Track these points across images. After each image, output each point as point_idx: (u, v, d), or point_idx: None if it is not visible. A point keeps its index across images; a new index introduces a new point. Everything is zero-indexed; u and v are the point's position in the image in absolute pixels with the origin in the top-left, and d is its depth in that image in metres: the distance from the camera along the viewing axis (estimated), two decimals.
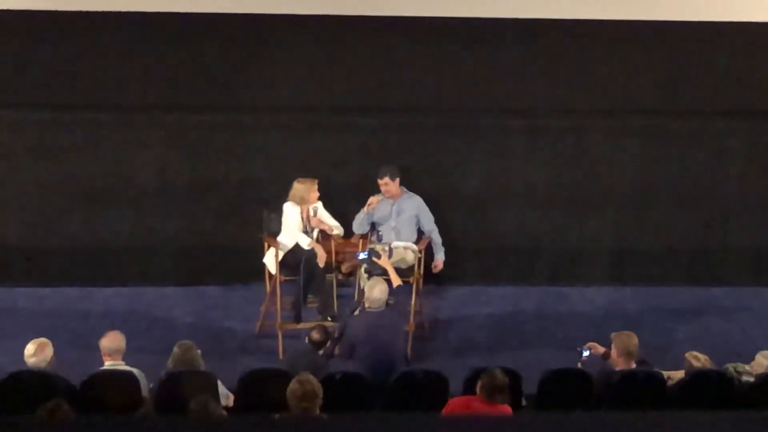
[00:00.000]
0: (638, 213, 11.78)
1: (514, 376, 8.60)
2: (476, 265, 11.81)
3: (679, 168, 11.72)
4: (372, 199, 11.01)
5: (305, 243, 10.63)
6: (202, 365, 8.74)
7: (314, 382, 7.69)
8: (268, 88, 11.55)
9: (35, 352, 8.54)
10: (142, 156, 11.52)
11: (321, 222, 10.81)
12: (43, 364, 8.51)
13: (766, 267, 11.86)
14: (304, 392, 7.60)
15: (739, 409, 8.46)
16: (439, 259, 11.06)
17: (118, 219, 11.56)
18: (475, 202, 11.75)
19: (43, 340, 8.65)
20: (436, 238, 11.07)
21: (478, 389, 8.09)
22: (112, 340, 8.76)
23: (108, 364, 8.68)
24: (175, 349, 8.66)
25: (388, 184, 10.98)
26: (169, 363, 8.67)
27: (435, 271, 11.03)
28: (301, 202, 10.73)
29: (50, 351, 8.59)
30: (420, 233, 11.08)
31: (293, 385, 7.67)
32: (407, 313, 10.22)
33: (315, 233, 10.84)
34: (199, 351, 8.92)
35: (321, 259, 10.56)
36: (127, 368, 8.66)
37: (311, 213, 10.79)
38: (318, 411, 7.63)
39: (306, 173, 10.90)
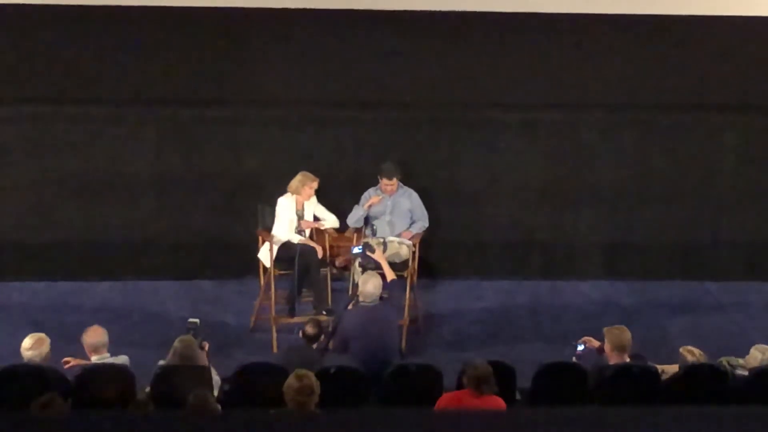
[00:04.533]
0: (632, 207, 11.79)
1: (508, 370, 8.60)
2: (470, 259, 11.81)
3: (673, 162, 11.74)
4: (374, 199, 11.03)
5: (296, 240, 10.66)
6: (200, 360, 8.72)
7: (311, 377, 7.71)
8: (262, 83, 11.54)
9: (32, 346, 8.54)
10: (136, 150, 11.51)
11: (310, 223, 10.84)
12: (38, 359, 8.51)
13: (759, 261, 11.87)
14: (301, 387, 7.62)
15: (733, 402, 8.47)
16: (412, 230, 11.03)
17: (112, 213, 11.56)
18: (469, 197, 11.75)
19: (41, 335, 8.65)
20: (423, 224, 11.06)
21: (465, 383, 8.12)
22: (94, 336, 8.76)
23: (95, 359, 8.68)
24: (176, 344, 8.64)
25: (395, 183, 11.01)
26: (169, 357, 8.65)
27: (405, 235, 10.98)
28: (295, 192, 10.76)
29: (47, 346, 8.59)
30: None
31: (290, 380, 7.68)
32: (401, 307, 10.22)
33: (307, 232, 10.86)
34: (206, 344, 8.95)
35: (318, 250, 10.61)
36: (117, 360, 8.69)
37: (300, 216, 10.79)
38: (314, 406, 7.63)
39: (300, 167, 10.90)
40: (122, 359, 8.78)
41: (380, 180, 11.06)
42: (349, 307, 9.62)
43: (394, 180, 11.03)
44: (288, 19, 11.31)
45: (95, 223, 11.56)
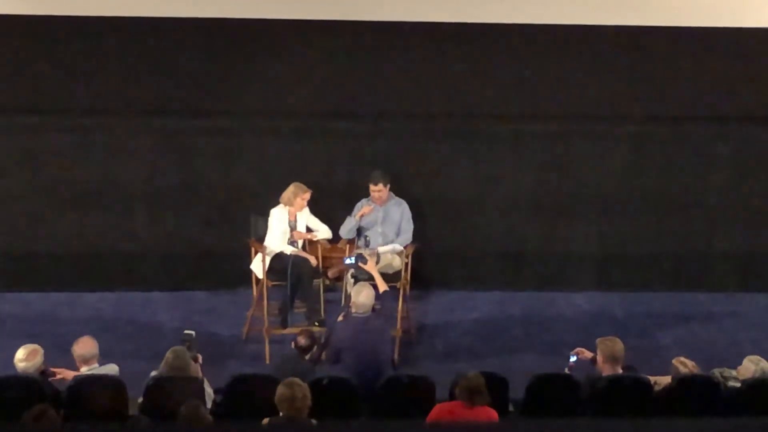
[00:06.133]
0: (625, 218, 11.79)
1: (500, 382, 8.60)
2: (463, 270, 11.81)
3: (666, 173, 11.74)
4: (365, 209, 11.01)
5: (289, 251, 10.66)
6: (193, 371, 8.71)
7: (303, 386, 7.72)
8: (256, 94, 11.53)
9: (26, 357, 8.54)
10: (129, 161, 11.50)
11: (302, 234, 10.84)
12: (31, 370, 8.50)
13: (752, 272, 11.88)
14: (293, 396, 7.63)
15: (726, 414, 8.47)
16: (399, 246, 10.97)
17: (104, 224, 11.54)
18: (462, 208, 11.75)
19: (34, 346, 8.65)
20: (405, 239, 11.02)
21: (457, 394, 8.12)
22: (85, 347, 8.76)
23: (84, 370, 8.67)
24: (168, 355, 8.63)
25: (382, 190, 10.99)
26: (161, 368, 8.64)
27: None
28: (288, 203, 10.76)
29: (41, 358, 8.60)
30: None
31: (282, 389, 7.69)
32: (394, 318, 10.21)
33: (300, 243, 10.86)
34: (200, 356, 8.94)
35: (311, 260, 10.61)
36: (106, 369, 8.68)
37: (293, 227, 10.79)
38: (306, 415, 7.64)
39: (293, 178, 10.90)
40: (111, 368, 8.77)
41: (370, 188, 11.06)
42: (341, 318, 9.62)
43: (380, 186, 10.97)
44: (281, 31, 11.31)
45: (88, 234, 11.54)
